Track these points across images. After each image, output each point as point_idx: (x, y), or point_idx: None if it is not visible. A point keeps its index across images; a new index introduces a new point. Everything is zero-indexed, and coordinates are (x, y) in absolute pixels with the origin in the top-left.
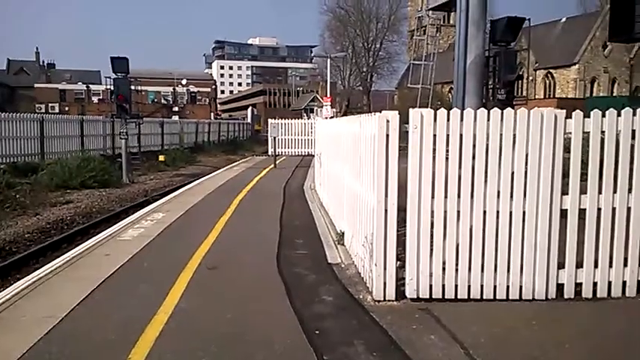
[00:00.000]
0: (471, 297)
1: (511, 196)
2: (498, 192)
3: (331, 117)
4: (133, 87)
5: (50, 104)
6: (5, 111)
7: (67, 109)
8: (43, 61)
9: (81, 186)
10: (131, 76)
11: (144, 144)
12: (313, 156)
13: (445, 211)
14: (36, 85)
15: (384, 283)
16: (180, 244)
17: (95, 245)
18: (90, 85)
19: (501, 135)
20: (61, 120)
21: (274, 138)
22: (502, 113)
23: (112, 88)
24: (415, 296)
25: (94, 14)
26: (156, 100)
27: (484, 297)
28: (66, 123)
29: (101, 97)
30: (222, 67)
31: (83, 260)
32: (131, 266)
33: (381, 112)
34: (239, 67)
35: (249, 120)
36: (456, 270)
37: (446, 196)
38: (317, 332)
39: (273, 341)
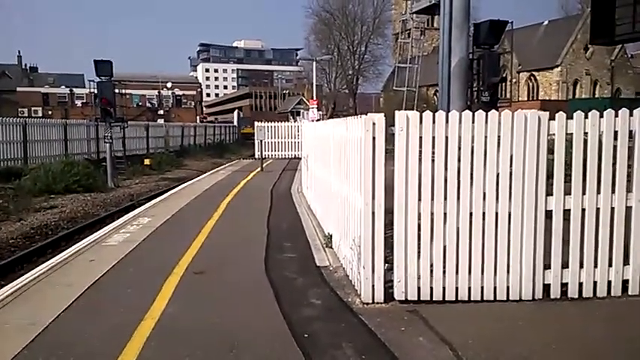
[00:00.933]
0: (459, 298)
1: (496, 198)
2: (484, 193)
3: (317, 120)
4: (117, 90)
5: (33, 108)
6: None
7: (50, 113)
8: (26, 65)
9: (65, 191)
10: (115, 79)
11: (129, 148)
12: (300, 159)
13: (432, 213)
14: (18, 89)
15: (373, 286)
16: (166, 249)
17: (80, 251)
18: (73, 89)
19: (486, 137)
20: (44, 124)
21: (261, 141)
22: (486, 115)
23: (96, 91)
24: (403, 298)
25: (77, 17)
26: (141, 103)
27: (472, 298)
28: (49, 127)
29: (85, 101)
30: (207, 70)
31: (68, 266)
32: (117, 272)
33: (367, 114)
34: (224, 70)
35: (235, 123)
36: (444, 272)
37: (432, 198)
38: (306, 335)
39: (262, 345)
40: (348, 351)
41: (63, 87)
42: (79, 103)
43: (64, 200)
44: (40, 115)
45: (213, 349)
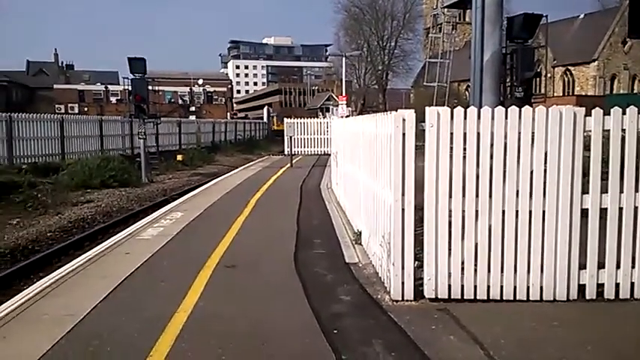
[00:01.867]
0: (491, 297)
1: (530, 196)
2: (517, 191)
3: (347, 116)
4: (150, 87)
5: (69, 105)
6: (25, 112)
7: (86, 109)
8: (62, 62)
9: (101, 185)
10: (148, 76)
11: (162, 144)
12: (329, 155)
13: (463, 211)
14: (55, 86)
15: (402, 283)
16: (199, 243)
17: (116, 244)
18: (108, 86)
19: (519, 133)
20: (80, 120)
21: (290, 137)
22: (520, 111)
23: (130, 88)
24: (434, 296)
25: (111, 16)
26: (173, 100)
27: (504, 298)
28: (85, 123)
29: (119, 98)
30: (237, 67)
31: (104, 259)
32: (151, 265)
33: (397, 110)
34: (254, 67)
35: (265, 119)
36: (475, 270)
37: (463, 195)
38: (335, 331)
39: (292, 340)
40: (378, 347)
41: (98, 84)
42: (113, 99)
43: (100, 195)
44: (76, 111)
45: (245, 342)
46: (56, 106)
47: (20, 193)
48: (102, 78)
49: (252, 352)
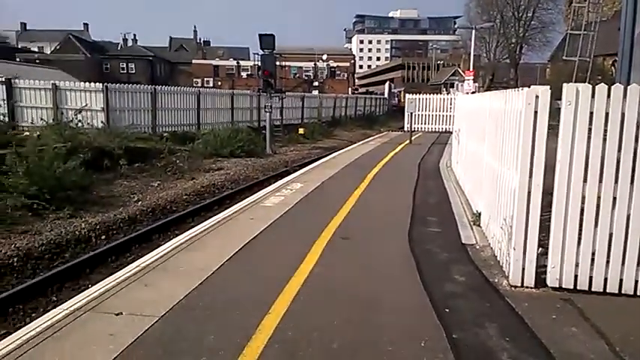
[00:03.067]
0: (623, 292)
1: None
2: None
3: (473, 92)
4: (277, 63)
5: (205, 79)
6: (167, 85)
7: (219, 83)
8: (200, 39)
9: (230, 155)
10: (276, 52)
11: (286, 117)
12: (450, 133)
13: (599, 197)
14: (193, 61)
15: (523, 269)
16: (315, 214)
17: (241, 209)
18: (240, 62)
19: None
20: (215, 93)
21: (411, 114)
22: None
23: (260, 63)
24: (557, 285)
25: None
26: (297, 75)
27: (638, 293)
28: (219, 96)
29: (249, 73)
30: (361, 42)
31: (232, 222)
32: (272, 231)
33: (529, 86)
34: (378, 41)
35: (385, 95)
36: (607, 262)
37: (600, 181)
38: (447, 310)
39: (403, 313)
40: (491, 331)
41: (231, 60)
42: (244, 74)
43: (229, 163)
44: (211, 85)
45: (356, 310)
46: (194, 80)
47: (162, 159)
48: (234, 54)
49: (362, 321)
